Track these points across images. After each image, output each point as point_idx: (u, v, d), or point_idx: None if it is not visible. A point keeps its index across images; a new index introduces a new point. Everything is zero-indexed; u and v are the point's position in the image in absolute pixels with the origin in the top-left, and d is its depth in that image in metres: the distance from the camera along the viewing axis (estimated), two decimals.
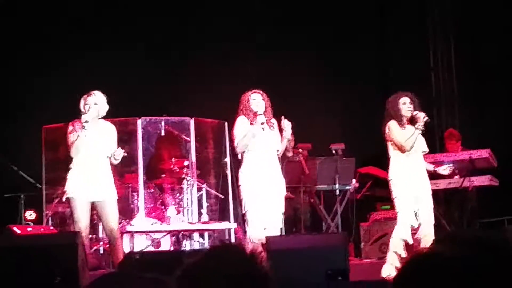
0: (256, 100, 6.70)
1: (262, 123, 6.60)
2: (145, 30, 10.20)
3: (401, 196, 6.69)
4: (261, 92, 6.78)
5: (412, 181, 6.69)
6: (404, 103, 6.74)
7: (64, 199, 6.66)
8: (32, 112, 9.24)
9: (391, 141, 6.76)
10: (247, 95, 6.77)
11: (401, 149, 6.70)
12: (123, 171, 8.60)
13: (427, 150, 6.93)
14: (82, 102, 6.56)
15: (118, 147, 6.64)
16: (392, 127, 6.73)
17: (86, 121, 6.35)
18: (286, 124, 6.66)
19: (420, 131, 6.64)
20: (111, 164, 6.67)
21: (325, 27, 10.86)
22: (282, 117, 6.69)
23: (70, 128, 6.52)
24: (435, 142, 10.73)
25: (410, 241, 6.61)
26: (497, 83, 10.43)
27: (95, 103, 6.50)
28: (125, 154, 6.64)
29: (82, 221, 6.38)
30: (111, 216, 6.53)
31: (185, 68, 10.23)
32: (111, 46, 9.78)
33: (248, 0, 10.77)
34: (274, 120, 6.79)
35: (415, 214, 6.66)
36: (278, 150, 6.79)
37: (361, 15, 11.27)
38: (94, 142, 6.46)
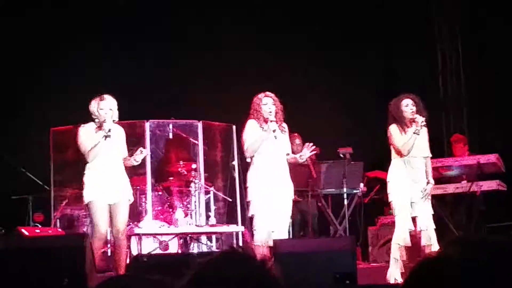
0: (268, 105, 6.63)
1: (274, 130, 6.53)
2: (153, 32, 10.22)
3: (398, 200, 6.66)
4: (273, 96, 6.69)
5: (409, 186, 6.65)
6: (407, 105, 6.70)
7: (84, 204, 6.58)
8: (40, 114, 9.26)
9: (391, 144, 6.77)
10: (259, 98, 6.70)
11: (400, 154, 6.70)
12: (131, 174, 8.59)
13: (429, 155, 6.84)
14: (95, 105, 6.43)
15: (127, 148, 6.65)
16: (392, 131, 6.72)
17: (109, 129, 6.29)
18: (308, 154, 6.72)
19: (417, 135, 6.57)
20: (129, 166, 6.66)
21: (332, 29, 10.86)
22: (310, 145, 6.71)
23: (84, 131, 6.44)
24: (443, 146, 10.71)
25: (409, 244, 6.58)
26: (505, 86, 10.40)
27: (111, 109, 6.39)
28: (146, 154, 6.63)
29: (102, 225, 6.34)
30: (122, 217, 6.48)
31: (193, 71, 10.24)
32: (119, 48, 9.80)
33: (254, 2, 10.77)
34: (285, 124, 6.76)
35: (414, 220, 6.64)
36: (288, 154, 6.76)
37: (367, 21, 11.27)
38: (109, 146, 6.41)
